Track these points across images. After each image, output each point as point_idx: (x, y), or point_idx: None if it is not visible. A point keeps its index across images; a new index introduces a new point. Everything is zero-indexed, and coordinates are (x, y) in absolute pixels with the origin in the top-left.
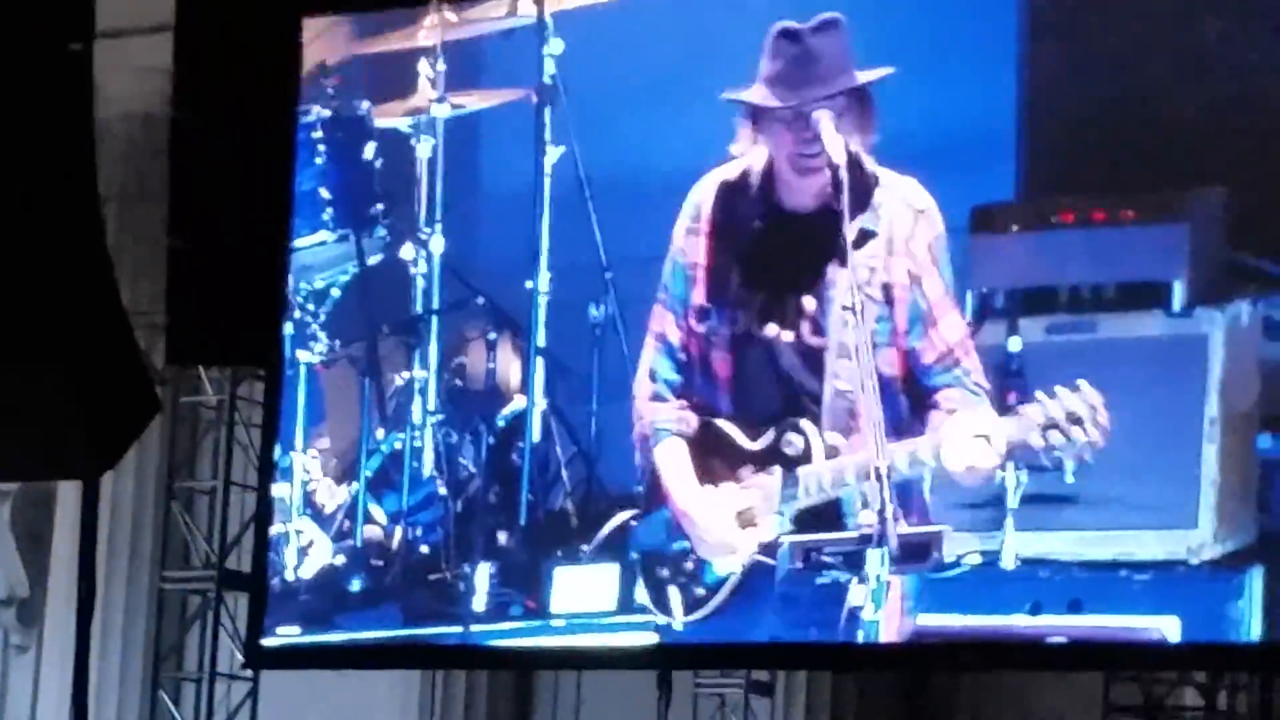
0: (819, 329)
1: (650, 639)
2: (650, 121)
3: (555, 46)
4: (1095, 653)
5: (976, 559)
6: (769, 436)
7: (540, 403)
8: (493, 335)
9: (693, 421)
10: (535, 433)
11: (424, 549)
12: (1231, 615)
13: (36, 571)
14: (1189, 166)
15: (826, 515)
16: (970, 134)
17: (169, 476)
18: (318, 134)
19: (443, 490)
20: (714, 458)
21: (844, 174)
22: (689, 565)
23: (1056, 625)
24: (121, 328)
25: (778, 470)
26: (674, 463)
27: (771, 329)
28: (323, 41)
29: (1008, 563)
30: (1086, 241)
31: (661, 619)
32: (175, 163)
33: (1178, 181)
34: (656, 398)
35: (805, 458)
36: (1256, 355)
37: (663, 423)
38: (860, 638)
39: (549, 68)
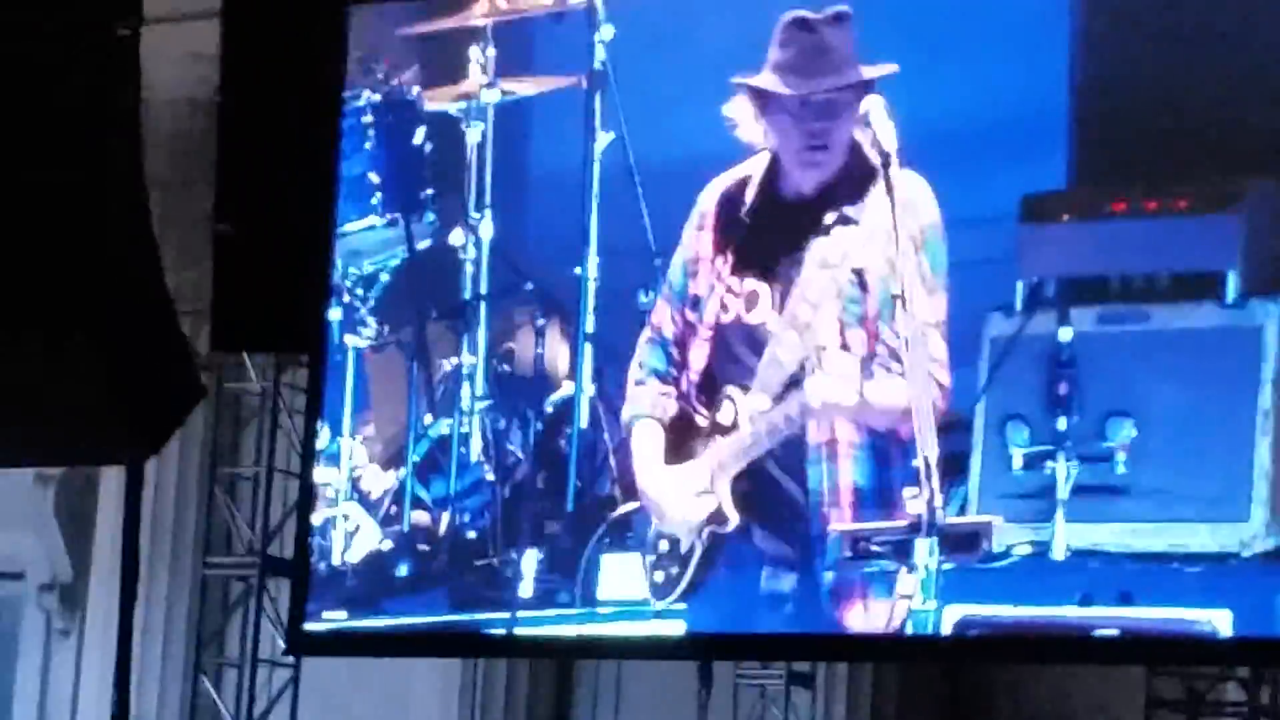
0: (784, 303)
1: (680, 628)
2: (700, 108)
3: (606, 32)
4: (1143, 647)
5: (1026, 550)
6: (713, 410)
7: (588, 389)
8: (541, 321)
9: (670, 406)
10: (583, 419)
11: (471, 535)
12: None
13: (80, 556)
14: (1244, 156)
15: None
16: (1021, 121)
17: (213, 462)
18: (367, 118)
19: (490, 476)
20: (684, 439)
21: (835, 167)
22: (664, 547)
23: (1106, 617)
24: (166, 313)
25: (718, 439)
26: (644, 445)
27: (754, 317)
28: (371, 24)
29: (1058, 554)
30: (1139, 231)
31: (656, 605)
32: (222, 149)
33: (1233, 171)
34: (639, 384)
35: (735, 425)
36: None
37: (638, 408)
38: (909, 628)
39: (599, 54)
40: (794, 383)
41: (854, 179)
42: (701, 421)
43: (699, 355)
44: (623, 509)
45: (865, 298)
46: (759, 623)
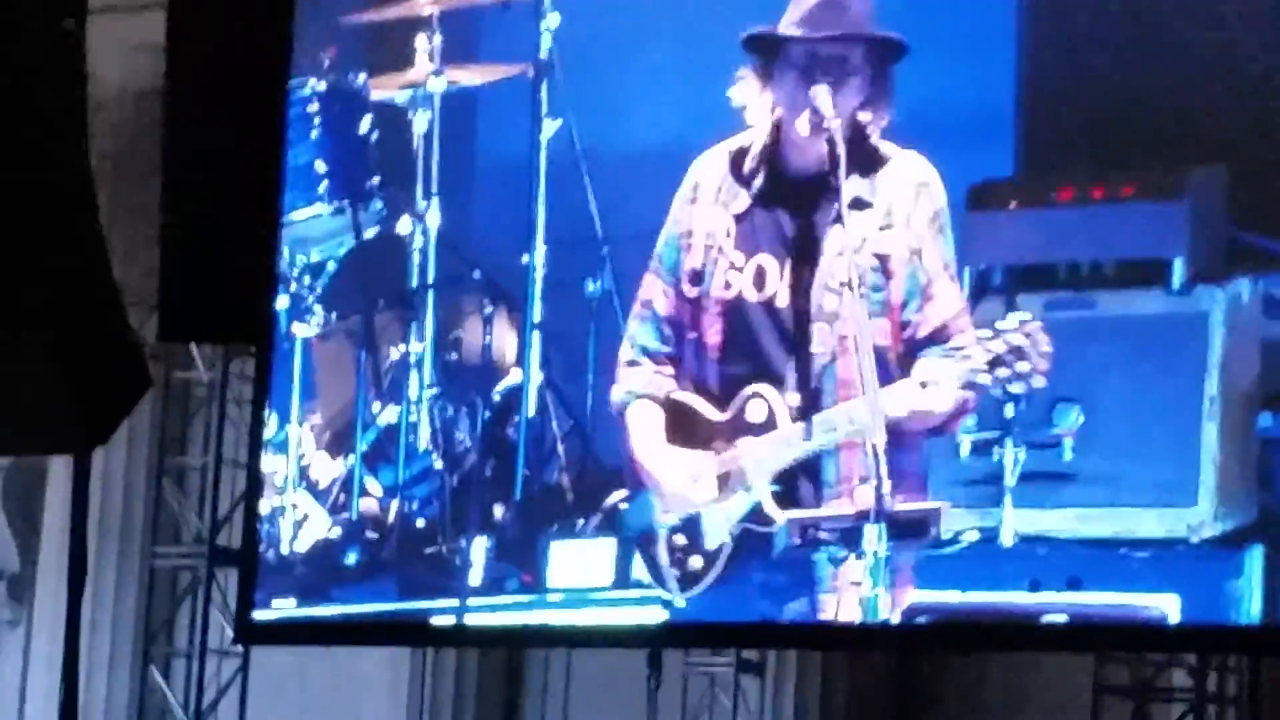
0: (807, 294)
1: (640, 616)
2: (647, 95)
3: (552, 20)
4: (1093, 634)
5: (975, 536)
6: (736, 404)
7: (536, 377)
8: (489, 309)
9: (667, 387)
10: (531, 407)
11: (420, 523)
12: (1231, 594)
13: (27, 547)
14: (1190, 144)
15: (807, 479)
16: (968, 111)
17: (160, 453)
18: (313, 107)
19: (439, 464)
20: (689, 425)
21: (842, 142)
22: (681, 540)
23: (1056, 603)
24: (113, 303)
25: (750, 437)
26: (642, 423)
27: (764, 293)
28: (318, 13)
29: (1006, 540)
30: (1085, 218)
31: (664, 595)
32: (168, 140)
33: (1178, 159)
34: (632, 364)
35: (771, 423)
36: (1257, 333)
37: (634, 387)
38: (859, 615)
39: (546, 42)
40: (824, 375)
41: (862, 154)
42: (717, 412)
43: (712, 334)
44: (614, 498)
45: (889, 285)
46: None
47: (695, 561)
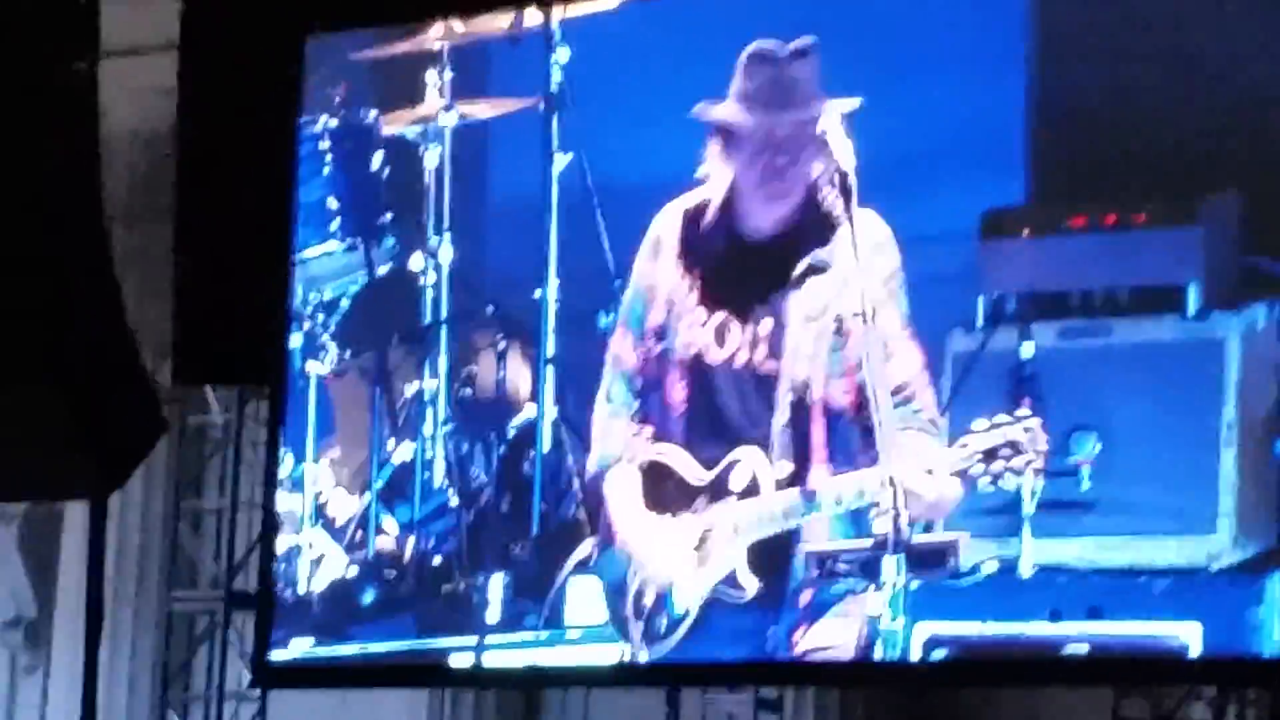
0: (773, 355)
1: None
2: (657, 128)
3: (562, 55)
4: (1114, 667)
5: (994, 566)
6: (719, 468)
7: (550, 412)
8: (502, 344)
9: (644, 451)
10: (546, 442)
11: (437, 560)
12: (1252, 621)
13: (44, 593)
14: (1203, 170)
15: (777, 549)
16: (980, 139)
17: (176, 496)
18: (325, 144)
19: (454, 501)
20: (665, 487)
21: (799, 207)
22: (649, 599)
23: (1076, 633)
24: (128, 347)
25: (732, 501)
26: (620, 489)
27: (725, 353)
28: (328, 51)
29: (1025, 570)
30: (1099, 245)
31: (627, 649)
32: (181, 182)
33: (1191, 185)
34: (610, 420)
35: (754, 490)
36: (1273, 359)
37: (610, 451)
38: (879, 647)
39: (556, 76)
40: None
41: (817, 219)
42: (695, 474)
43: (675, 392)
44: (584, 549)
45: (846, 345)
46: (727, 649)
47: (661, 622)
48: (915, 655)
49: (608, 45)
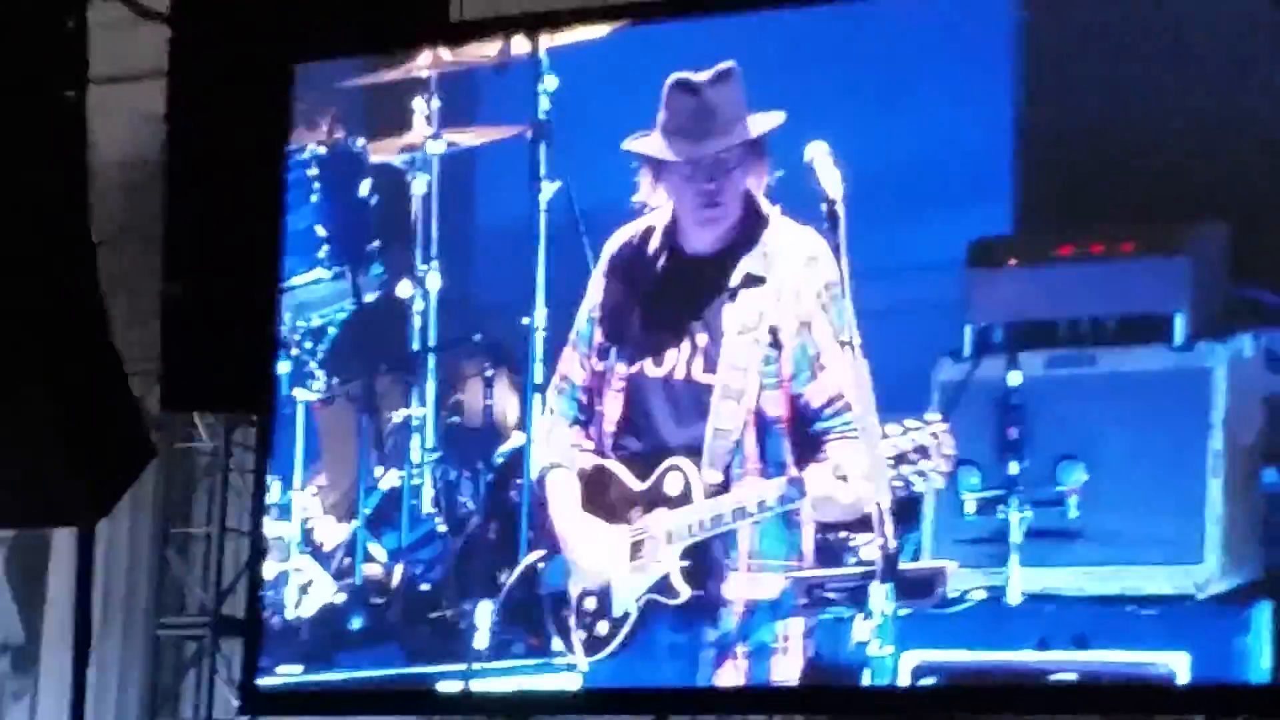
0: (709, 368)
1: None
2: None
3: (550, 83)
4: (1102, 695)
5: (982, 594)
6: (654, 476)
7: (538, 439)
8: (490, 372)
9: (584, 460)
10: (533, 470)
11: (424, 587)
12: (1240, 650)
13: (32, 619)
14: (1190, 199)
15: (711, 552)
16: (966, 167)
17: (164, 523)
18: (312, 171)
19: (442, 528)
20: (603, 495)
21: (732, 224)
22: (590, 605)
23: (1064, 661)
24: (116, 374)
25: (664, 511)
26: (559, 493)
27: (663, 368)
28: (316, 78)
29: (1013, 598)
30: (1086, 275)
31: (569, 660)
32: (169, 208)
33: (1178, 214)
34: (550, 432)
35: (686, 497)
36: (1260, 389)
37: (552, 457)
38: (867, 674)
39: (544, 104)
40: (734, 451)
41: (753, 233)
42: (631, 483)
43: (613, 406)
44: (532, 557)
45: (780, 357)
46: (693, 674)
47: (602, 627)
48: (904, 682)
49: (595, 73)
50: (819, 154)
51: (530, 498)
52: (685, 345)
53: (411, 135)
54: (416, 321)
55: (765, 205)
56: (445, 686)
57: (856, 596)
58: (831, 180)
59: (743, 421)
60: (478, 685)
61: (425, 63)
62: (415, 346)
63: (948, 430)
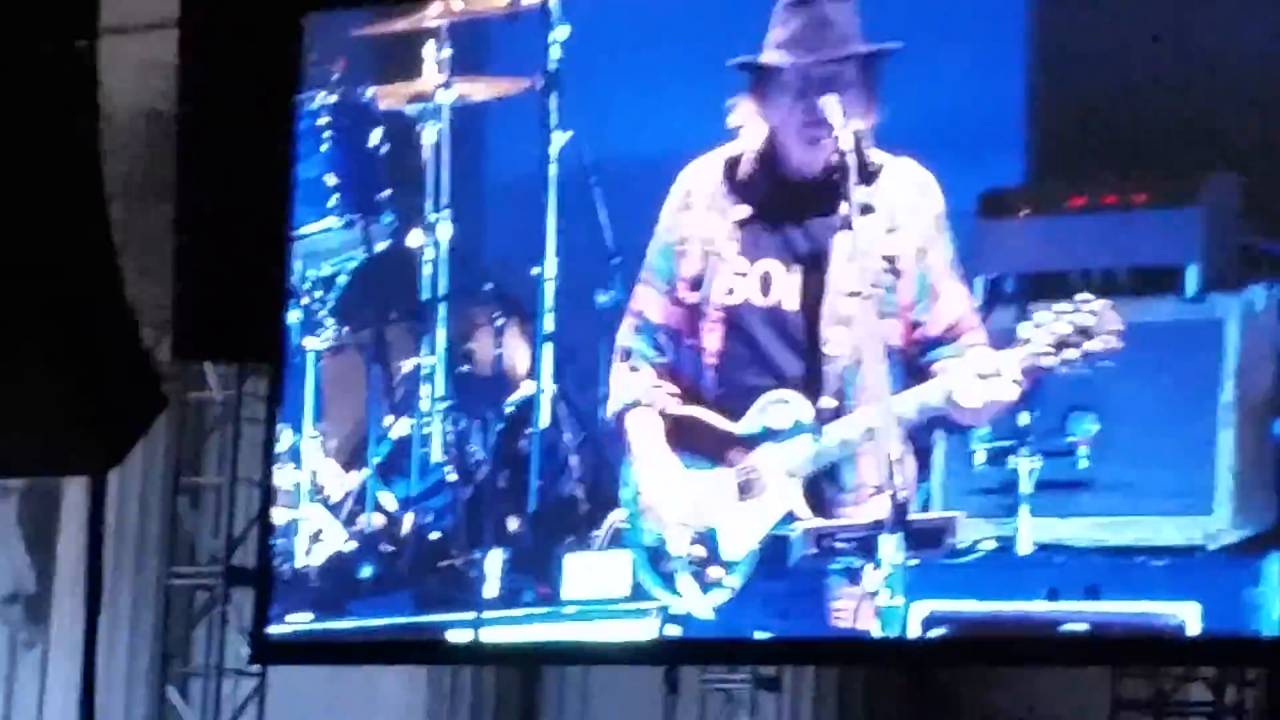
0: (818, 298)
1: (653, 629)
2: (656, 105)
3: (560, 32)
4: (1113, 646)
5: (992, 545)
6: (754, 412)
7: (548, 389)
8: (500, 321)
9: (670, 401)
10: (544, 419)
11: (434, 535)
12: (1251, 601)
13: (43, 568)
14: (1203, 151)
15: (827, 485)
16: (978, 117)
17: (175, 473)
18: (323, 120)
19: (452, 477)
20: (694, 438)
21: (850, 151)
22: (699, 552)
23: (1075, 611)
24: (127, 324)
25: (773, 444)
26: (642, 432)
27: (770, 299)
28: (327, 27)
29: (1023, 549)
30: (1098, 226)
31: (681, 607)
32: (181, 159)
33: (1191, 166)
34: (633, 371)
35: (795, 430)
36: (1271, 340)
37: (630, 394)
38: (877, 624)
39: (554, 54)
40: (846, 379)
41: (862, 161)
42: (725, 425)
43: (712, 340)
44: (616, 515)
45: (899, 285)
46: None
47: (714, 571)
48: (914, 633)
49: (607, 22)
50: (829, 104)
51: (578, 447)
52: (794, 272)
53: (421, 83)
54: (427, 270)
55: (869, 143)
56: (454, 635)
57: (866, 546)
58: (845, 134)
59: (852, 350)
60: (487, 634)
61: (436, 12)
62: (425, 296)
63: (1110, 306)
